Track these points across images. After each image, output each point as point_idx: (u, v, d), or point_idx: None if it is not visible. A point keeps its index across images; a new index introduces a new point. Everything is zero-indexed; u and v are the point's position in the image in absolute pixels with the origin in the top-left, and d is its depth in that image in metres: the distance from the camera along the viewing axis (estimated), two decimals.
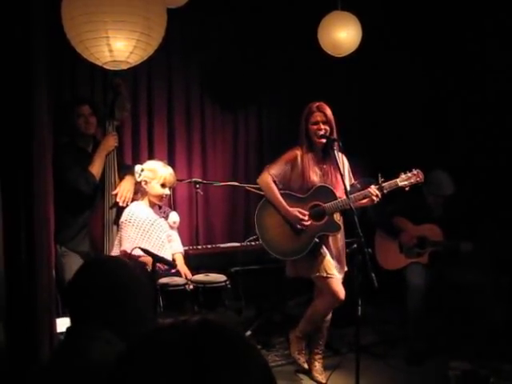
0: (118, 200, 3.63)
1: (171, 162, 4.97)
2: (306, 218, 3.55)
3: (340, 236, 3.70)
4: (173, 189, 4.47)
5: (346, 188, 3.44)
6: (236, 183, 4.59)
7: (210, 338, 0.71)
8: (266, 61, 5.23)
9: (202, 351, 0.68)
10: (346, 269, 3.74)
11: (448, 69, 5.08)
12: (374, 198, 3.50)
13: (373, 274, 3.12)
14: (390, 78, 5.32)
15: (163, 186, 3.57)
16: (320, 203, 3.57)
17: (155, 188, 3.57)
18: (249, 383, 0.69)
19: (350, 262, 3.69)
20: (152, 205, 3.63)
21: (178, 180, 4.52)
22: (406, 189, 3.60)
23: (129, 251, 3.28)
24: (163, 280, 3.18)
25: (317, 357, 3.86)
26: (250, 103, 5.38)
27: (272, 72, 5.28)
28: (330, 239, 3.65)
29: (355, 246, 3.46)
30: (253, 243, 4.49)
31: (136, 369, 0.68)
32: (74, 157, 3.74)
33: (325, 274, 3.59)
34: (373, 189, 3.51)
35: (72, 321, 1.59)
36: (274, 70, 5.28)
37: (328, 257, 3.61)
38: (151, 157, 4.59)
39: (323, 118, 3.56)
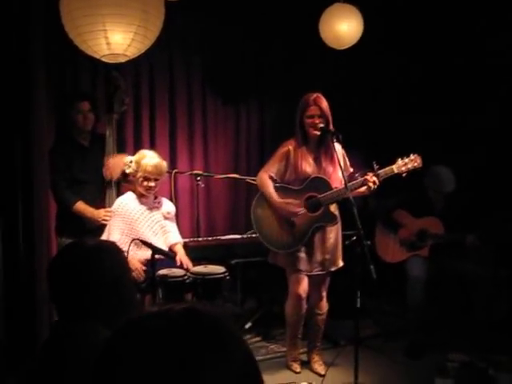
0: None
1: (173, 155, 5.00)
2: (298, 208, 3.55)
3: (332, 229, 3.68)
4: (174, 181, 4.49)
5: (344, 178, 3.43)
6: (236, 175, 4.59)
7: (196, 325, 0.72)
8: (268, 54, 5.22)
9: (188, 338, 0.69)
10: (340, 264, 3.75)
11: (451, 61, 5.06)
12: (371, 184, 3.45)
13: (371, 266, 3.14)
14: (392, 70, 5.31)
15: (146, 178, 3.57)
16: (315, 194, 3.57)
17: (139, 180, 3.59)
18: (231, 370, 0.70)
19: (350, 255, 3.71)
20: (141, 195, 3.64)
21: (179, 172, 4.54)
22: (404, 175, 3.53)
23: (118, 242, 3.33)
24: (162, 271, 3.20)
25: (315, 349, 3.89)
26: (251, 96, 5.38)
27: (274, 65, 5.28)
28: (318, 233, 3.64)
29: (354, 238, 3.47)
30: (253, 235, 4.51)
31: (124, 355, 0.70)
32: (68, 155, 3.79)
33: (291, 267, 3.64)
34: (369, 175, 3.47)
35: (62, 309, 1.60)
36: (276, 62, 5.27)
37: (302, 252, 3.61)
38: (153, 149, 4.59)
39: (318, 111, 3.54)
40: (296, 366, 3.83)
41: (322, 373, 3.78)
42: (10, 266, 2.28)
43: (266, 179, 3.63)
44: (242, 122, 5.37)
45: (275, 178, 3.64)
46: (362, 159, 5.03)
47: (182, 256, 3.55)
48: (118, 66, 3.98)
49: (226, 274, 3.23)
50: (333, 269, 3.72)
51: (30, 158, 2.55)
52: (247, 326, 4.38)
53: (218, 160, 5.25)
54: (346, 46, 4.45)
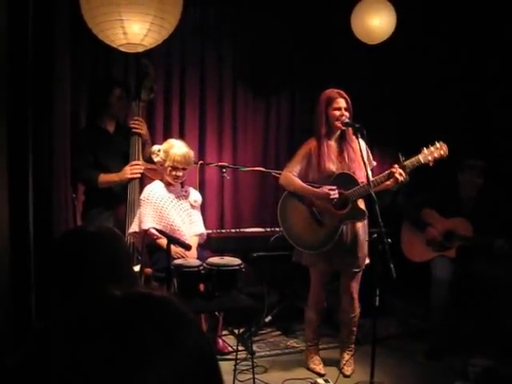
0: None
1: (202, 146, 5.02)
2: (335, 188, 3.47)
3: (360, 225, 3.62)
4: (200, 172, 4.51)
5: (367, 174, 3.33)
6: (262, 169, 4.56)
7: (146, 309, 0.71)
8: (300, 47, 5.17)
9: (135, 319, 0.69)
10: (367, 261, 3.69)
11: (485, 57, 4.92)
12: (398, 176, 3.33)
13: (391, 265, 3.08)
14: (425, 65, 5.20)
15: (174, 168, 3.61)
16: (342, 191, 3.50)
17: (167, 170, 3.63)
18: (179, 358, 0.69)
19: (370, 252, 3.66)
20: (168, 184, 3.69)
21: (206, 164, 4.57)
22: (431, 164, 3.38)
23: (146, 228, 3.39)
24: (178, 261, 3.22)
25: (347, 349, 3.84)
26: (282, 89, 5.34)
27: (305, 59, 5.22)
28: (347, 231, 3.58)
29: (375, 235, 3.42)
30: (277, 229, 4.49)
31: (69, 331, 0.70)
32: (93, 140, 3.87)
33: (315, 266, 3.65)
34: (395, 167, 3.36)
35: (59, 292, 1.62)
36: (308, 56, 5.21)
37: (329, 252, 3.54)
38: (181, 139, 4.62)
39: (345, 104, 3.53)
40: (320, 368, 3.78)
41: (347, 373, 3.72)
42: (19, 248, 2.31)
43: (292, 176, 3.59)
44: (272, 115, 5.34)
45: (298, 177, 3.60)
46: (392, 154, 4.92)
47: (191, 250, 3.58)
48: (149, 55, 4.02)
49: (242, 266, 3.21)
50: (363, 266, 3.67)
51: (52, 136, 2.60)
52: (267, 319, 4.37)
53: (247, 153, 5.23)
54: (378, 41, 4.39)
